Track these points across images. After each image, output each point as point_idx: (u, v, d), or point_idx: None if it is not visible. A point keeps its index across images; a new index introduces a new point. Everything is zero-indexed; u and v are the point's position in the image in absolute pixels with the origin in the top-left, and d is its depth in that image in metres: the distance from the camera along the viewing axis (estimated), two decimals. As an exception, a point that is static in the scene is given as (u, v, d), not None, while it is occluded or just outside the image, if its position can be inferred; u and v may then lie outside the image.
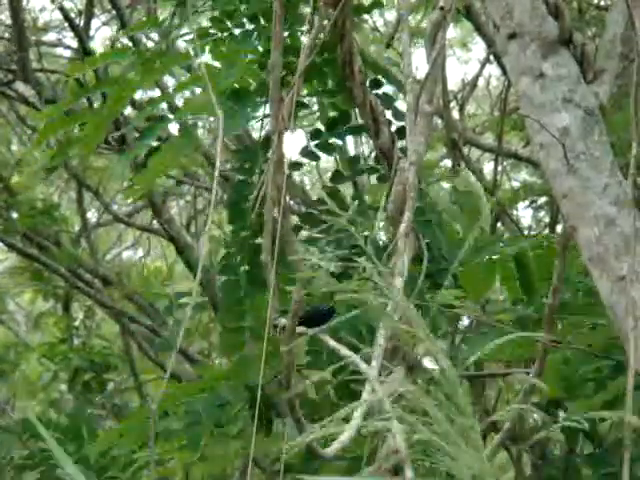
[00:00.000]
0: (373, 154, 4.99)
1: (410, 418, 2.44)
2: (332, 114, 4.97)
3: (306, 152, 4.92)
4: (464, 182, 5.24)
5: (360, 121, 4.79)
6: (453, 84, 9.58)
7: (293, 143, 4.79)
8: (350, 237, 4.80)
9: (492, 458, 4.39)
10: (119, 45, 7.45)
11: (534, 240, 4.80)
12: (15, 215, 9.46)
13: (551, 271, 4.17)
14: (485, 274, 4.66)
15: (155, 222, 9.90)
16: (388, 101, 4.80)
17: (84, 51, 8.47)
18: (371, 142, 4.87)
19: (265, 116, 4.84)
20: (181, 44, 5.36)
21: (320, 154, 4.96)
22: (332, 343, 3.99)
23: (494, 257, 4.62)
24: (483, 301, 5.18)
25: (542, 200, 8.81)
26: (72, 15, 9.14)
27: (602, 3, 8.03)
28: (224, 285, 4.86)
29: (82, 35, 8.68)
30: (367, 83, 4.61)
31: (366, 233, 4.91)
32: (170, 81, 7.32)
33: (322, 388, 4.91)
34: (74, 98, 4.99)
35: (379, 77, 4.87)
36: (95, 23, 9.27)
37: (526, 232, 8.38)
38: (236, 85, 4.71)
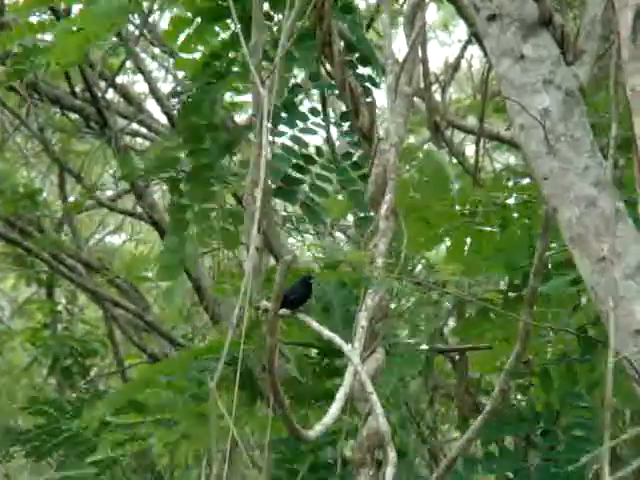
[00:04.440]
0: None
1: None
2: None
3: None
4: (431, 155, 5.25)
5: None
6: (435, 67, 9.57)
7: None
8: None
9: (475, 438, 4.42)
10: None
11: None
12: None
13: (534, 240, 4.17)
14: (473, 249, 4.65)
15: (138, 206, 9.87)
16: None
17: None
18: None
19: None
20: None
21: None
22: (315, 325, 4.00)
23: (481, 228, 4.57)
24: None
25: (525, 182, 8.81)
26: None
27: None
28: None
29: (62, 18, 8.62)
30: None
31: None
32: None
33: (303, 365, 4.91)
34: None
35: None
36: (76, 7, 9.21)
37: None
38: None
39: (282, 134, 4.83)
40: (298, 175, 4.84)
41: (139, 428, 4.62)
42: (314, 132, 4.92)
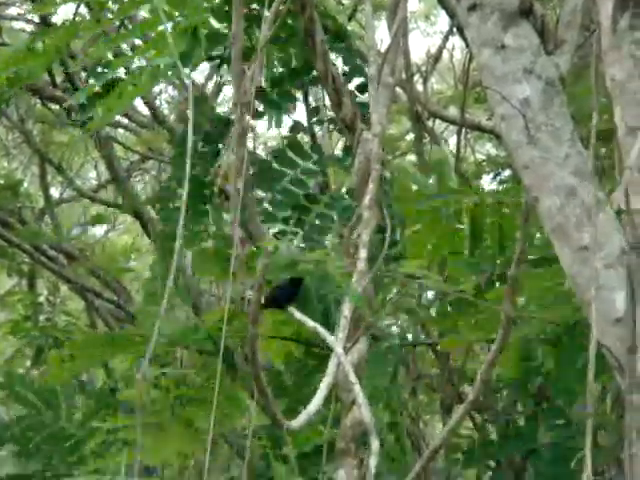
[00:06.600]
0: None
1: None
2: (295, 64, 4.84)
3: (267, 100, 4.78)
4: (435, 152, 5.27)
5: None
6: (417, 57, 9.58)
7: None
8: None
9: (457, 428, 4.43)
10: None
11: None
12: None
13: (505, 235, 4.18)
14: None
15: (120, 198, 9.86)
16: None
17: (46, 25, 8.40)
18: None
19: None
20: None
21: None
22: (298, 315, 4.01)
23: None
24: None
25: (506, 173, 8.84)
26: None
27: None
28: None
29: (43, 9, 8.57)
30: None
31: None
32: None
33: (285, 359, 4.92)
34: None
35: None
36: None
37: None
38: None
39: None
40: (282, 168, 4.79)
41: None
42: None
